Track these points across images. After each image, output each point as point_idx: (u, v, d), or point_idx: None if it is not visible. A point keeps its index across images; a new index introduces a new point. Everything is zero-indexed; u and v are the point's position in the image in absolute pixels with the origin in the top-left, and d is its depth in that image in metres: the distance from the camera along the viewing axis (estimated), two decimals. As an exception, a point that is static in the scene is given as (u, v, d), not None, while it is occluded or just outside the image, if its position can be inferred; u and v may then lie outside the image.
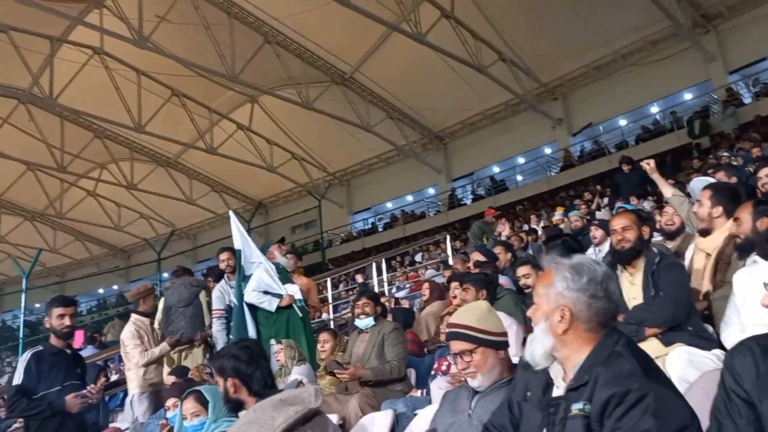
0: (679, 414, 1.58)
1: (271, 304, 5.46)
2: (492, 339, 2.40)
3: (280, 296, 5.46)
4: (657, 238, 4.97)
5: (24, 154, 22.99)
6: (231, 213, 6.19)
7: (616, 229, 3.39)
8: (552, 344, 1.80)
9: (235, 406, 2.77)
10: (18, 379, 3.87)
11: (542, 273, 1.95)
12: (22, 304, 15.12)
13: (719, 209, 3.60)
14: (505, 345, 2.46)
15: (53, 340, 4.11)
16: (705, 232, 3.69)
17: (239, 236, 5.63)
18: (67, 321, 4.11)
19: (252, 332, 5.49)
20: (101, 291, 34.57)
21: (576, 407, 1.68)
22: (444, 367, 4.26)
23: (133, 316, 5.86)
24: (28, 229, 29.86)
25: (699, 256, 3.70)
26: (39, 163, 23.47)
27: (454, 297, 5.16)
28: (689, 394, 2.37)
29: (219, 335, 5.85)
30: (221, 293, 5.94)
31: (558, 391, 1.82)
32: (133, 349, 5.62)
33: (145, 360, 5.60)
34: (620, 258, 3.32)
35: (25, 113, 21.51)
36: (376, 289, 11.41)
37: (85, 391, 4.04)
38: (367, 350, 4.37)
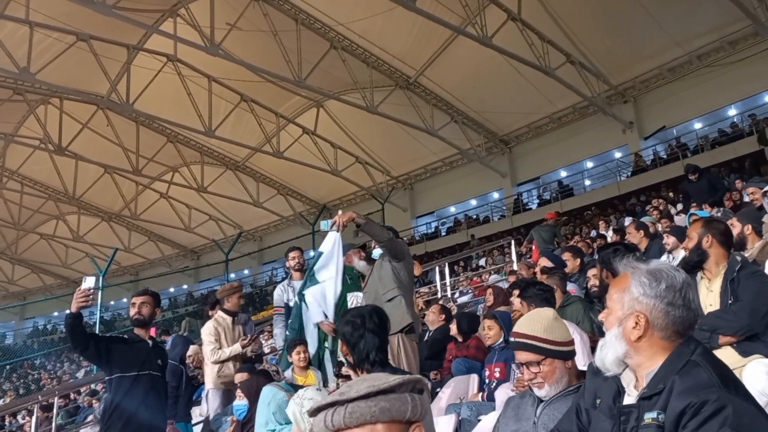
0: (759, 428, 1.48)
1: (311, 319, 5.45)
2: (560, 349, 2.32)
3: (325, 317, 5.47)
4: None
5: (102, 158, 24.05)
6: (340, 212, 6.19)
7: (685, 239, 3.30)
8: (624, 351, 1.73)
9: (352, 368, 2.79)
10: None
11: (617, 277, 1.86)
12: (98, 301, 15.75)
13: None
14: (572, 354, 2.39)
15: (138, 332, 4.32)
16: None
17: (335, 243, 5.49)
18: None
19: (313, 332, 5.53)
20: (172, 290, 35.75)
21: (649, 416, 1.61)
22: (497, 374, 4.19)
23: (218, 313, 5.95)
24: (105, 229, 31.25)
25: None
26: (116, 166, 24.50)
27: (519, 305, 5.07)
28: (768, 407, 2.28)
29: (278, 332, 5.95)
30: (281, 292, 5.96)
31: (629, 399, 1.75)
32: (206, 345, 5.71)
33: (214, 358, 5.65)
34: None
35: (103, 118, 22.55)
36: (439, 294, 11.34)
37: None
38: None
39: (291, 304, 5.83)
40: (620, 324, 1.74)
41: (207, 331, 5.75)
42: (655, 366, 1.69)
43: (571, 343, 2.40)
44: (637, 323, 1.70)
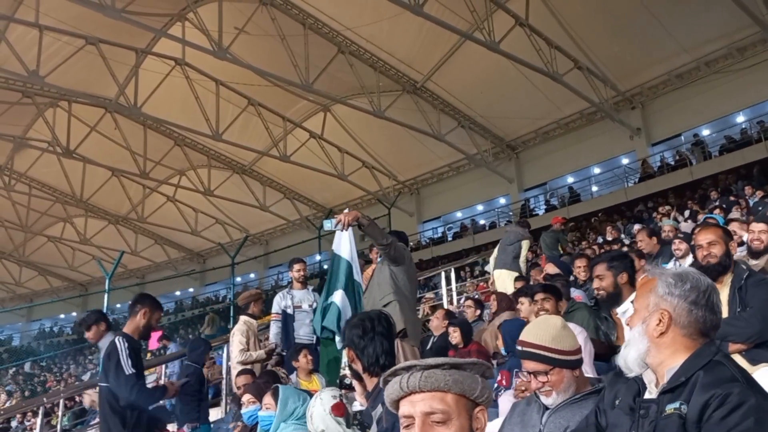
0: None
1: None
2: (568, 359, 2.31)
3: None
4: (740, 252, 4.70)
5: (110, 161, 24.15)
6: (346, 210, 6.15)
7: (702, 243, 3.22)
8: (647, 347, 1.76)
9: (356, 376, 2.75)
10: (129, 368, 3.85)
11: (644, 281, 1.89)
12: (105, 304, 15.77)
13: None
14: (580, 363, 2.37)
15: (135, 334, 4.13)
16: None
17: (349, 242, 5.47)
18: None
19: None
20: (178, 293, 35.81)
21: (671, 407, 1.65)
22: (505, 381, 4.16)
23: (243, 317, 6.17)
24: (112, 232, 31.34)
25: None
26: (123, 170, 24.63)
27: (521, 311, 5.05)
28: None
29: (275, 338, 6.10)
30: (280, 299, 6.20)
31: (650, 395, 1.78)
32: (235, 346, 5.94)
33: (241, 359, 5.86)
34: (705, 274, 3.15)
35: (111, 122, 22.65)
36: (444, 299, 11.29)
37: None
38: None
39: (289, 311, 6.08)
40: (644, 321, 1.78)
41: (239, 332, 6.01)
42: (676, 363, 1.72)
43: (579, 351, 2.38)
44: (660, 320, 1.75)
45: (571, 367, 2.31)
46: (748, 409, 1.51)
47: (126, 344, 3.96)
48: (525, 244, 8.44)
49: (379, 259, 4.59)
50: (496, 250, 8.95)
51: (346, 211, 4.48)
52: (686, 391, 1.64)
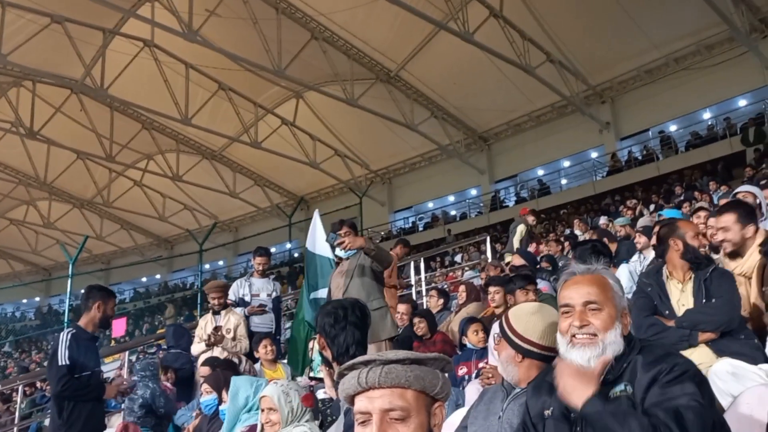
0: (709, 391, 1.74)
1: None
2: (535, 351, 2.29)
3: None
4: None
5: (75, 143, 23.57)
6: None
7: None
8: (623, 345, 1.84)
9: (327, 364, 2.72)
10: (64, 359, 3.86)
11: (591, 276, 1.91)
12: (68, 289, 15.48)
13: (751, 229, 3.40)
14: (548, 359, 2.34)
15: (89, 326, 4.09)
16: (735, 255, 3.49)
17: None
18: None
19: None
20: (144, 279, 35.35)
21: (617, 389, 1.76)
22: (462, 372, 4.19)
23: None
24: (76, 216, 30.68)
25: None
26: (89, 152, 24.03)
27: (493, 300, 5.07)
28: (733, 407, 2.38)
29: (240, 310, 6.14)
30: (237, 287, 6.27)
31: None
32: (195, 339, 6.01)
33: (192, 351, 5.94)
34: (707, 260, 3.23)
35: (77, 103, 22.06)
36: (414, 290, 11.27)
37: (123, 380, 4.19)
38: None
39: (247, 299, 6.15)
40: (619, 321, 1.85)
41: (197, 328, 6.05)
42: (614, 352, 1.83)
43: (551, 349, 2.35)
44: (627, 318, 1.88)
45: (539, 360, 2.28)
46: (693, 374, 1.70)
47: (70, 336, 3.93)
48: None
49: (344, 254, 4.51)
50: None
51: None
52: (628, 374, 1.77)
